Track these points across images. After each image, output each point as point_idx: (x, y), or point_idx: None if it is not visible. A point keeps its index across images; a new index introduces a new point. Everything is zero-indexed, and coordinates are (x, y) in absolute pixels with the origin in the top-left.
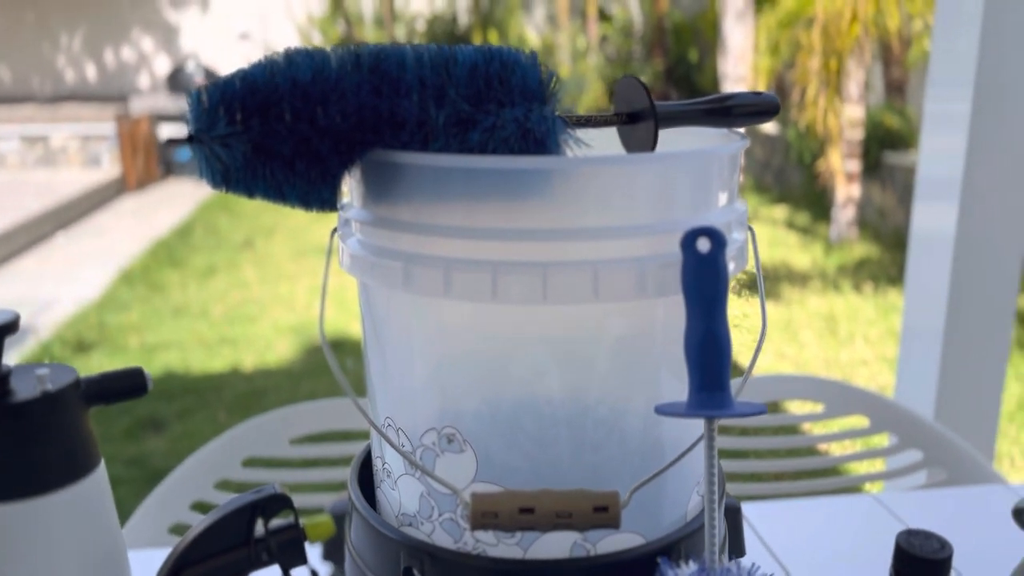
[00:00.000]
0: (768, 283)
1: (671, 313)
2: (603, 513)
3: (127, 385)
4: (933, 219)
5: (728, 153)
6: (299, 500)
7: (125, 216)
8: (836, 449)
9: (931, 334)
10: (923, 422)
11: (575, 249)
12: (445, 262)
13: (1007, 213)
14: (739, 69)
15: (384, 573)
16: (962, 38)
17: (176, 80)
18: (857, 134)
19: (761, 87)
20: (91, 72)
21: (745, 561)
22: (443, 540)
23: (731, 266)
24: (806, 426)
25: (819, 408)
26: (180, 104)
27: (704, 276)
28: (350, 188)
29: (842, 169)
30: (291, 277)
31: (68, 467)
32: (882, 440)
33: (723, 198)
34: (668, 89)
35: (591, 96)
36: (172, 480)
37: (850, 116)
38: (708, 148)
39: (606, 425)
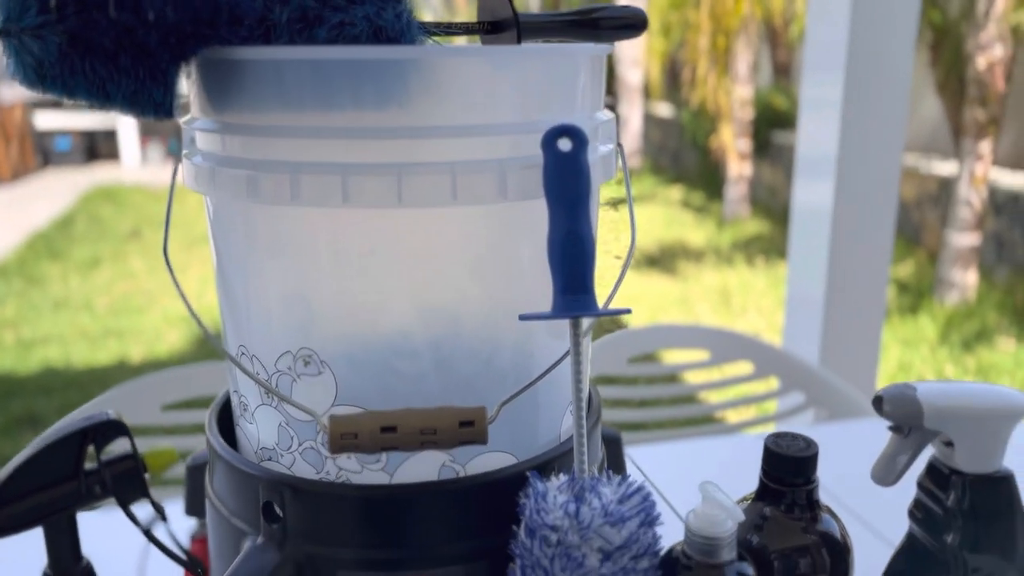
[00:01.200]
0: (665, 260)
1: (536, 219)
2: (469, 428)
3: None
4: (812, 195)
5: (590, 54)
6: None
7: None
8: (723, 396)
9: (813, 302)
10: (806, 366)
11: (432, 149)
12: (292, 167)
13: (879, 189)
14: (633, 51)
15: (245, 513)
16: (833, 26)
17: None
18: (747, 114)
19: (655, 69)
20: None
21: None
22: (304, 471)
23: (596, 174)
24: (692, 374)
25: (705, 356)
26: None
27: (565, 176)
28: (191, 96)
29: (734, 146)
30: (182, 267)
31: None
32: (770, 384)
33: (587, 104)
34: None
35: None
36: None
37: (740, 96)
38: (570, 46)
39: (472, 339)
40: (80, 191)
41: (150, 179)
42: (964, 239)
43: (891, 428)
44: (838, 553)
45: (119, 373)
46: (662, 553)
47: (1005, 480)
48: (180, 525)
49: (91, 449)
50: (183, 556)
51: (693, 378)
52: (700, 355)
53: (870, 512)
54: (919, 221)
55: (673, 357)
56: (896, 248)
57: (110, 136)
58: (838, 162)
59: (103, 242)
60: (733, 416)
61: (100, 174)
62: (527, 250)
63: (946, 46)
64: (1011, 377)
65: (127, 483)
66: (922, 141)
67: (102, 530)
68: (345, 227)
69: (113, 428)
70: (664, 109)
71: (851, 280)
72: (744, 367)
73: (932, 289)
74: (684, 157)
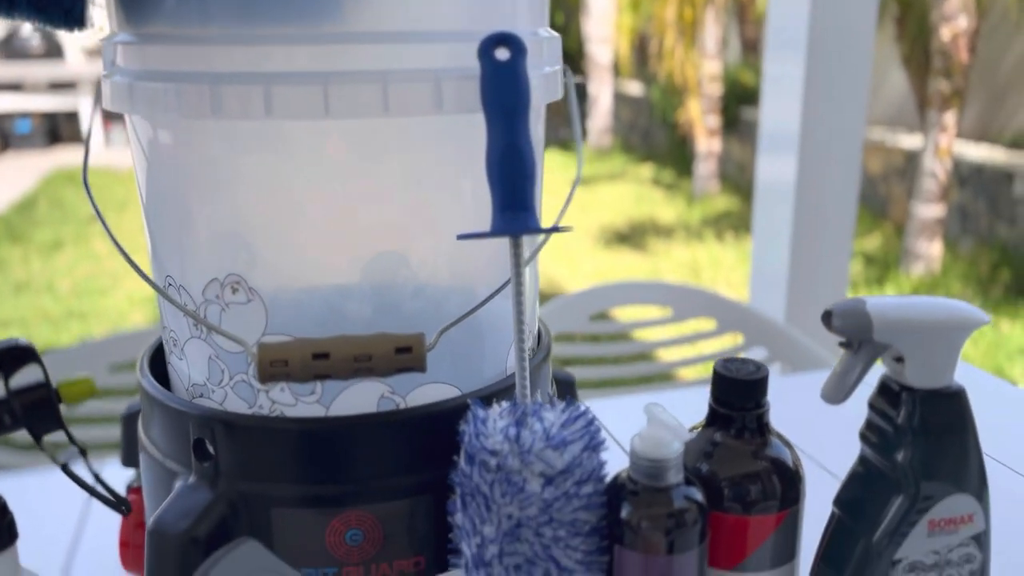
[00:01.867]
0: (635, 237)
1: (474, 134)
2: (407, 355)
3: None
4: (775, 170)
5: None
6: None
7: None
8: (687, 351)
9: (777, 276)
10: (770, 321)
11: (362, 56)
12: (212, 77)
13: (842, 163)
14: (602, 29)
15: (177, 454)
16: (795, 2)
17: (10, 46)
18: (716, 89)
19: (624, 46)
20: None
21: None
22: (236, 406)
23: (539, 92)
24: (655, 331)
25: (668, 313)
26: (16, 72)
27: (503, 86)
28: (108, 11)
29: (701, 120)
30: (145, 248)
31: None
32: (735, 340)
33: (529, 18)
34: None
35: None
36: None
37: (709, 71)
38: None
39: (409, 266)
40: (41, 174)
41: (113, 161)
42: (929, 211)
43: (842, 344)
44: (789, 480)
45: (82, 354)
46: (607, 479)
47: (957, 395)
48: (119, 477)
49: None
50: (105, 493)
51: (655, 335)
52: (663, 312)
53: (833, 461)
54: (886, 194)
55: (636, 314)
56: (863, 221)
57: (72, 118)
58: (801, 137)
59: (65, 225)
60: (694, 373)
61: (62, 157)
62: (468, 172)
63: (911, 18)
64: (973, 344)
65: (40, 413)
66: (889, 115)
67: (41, 492)
68: (269, 141)
69: (22, 354)
70: (634, 88)
71: (815, 254)
72: (707, 323)
73: (898, 261)
74: (654, 135)
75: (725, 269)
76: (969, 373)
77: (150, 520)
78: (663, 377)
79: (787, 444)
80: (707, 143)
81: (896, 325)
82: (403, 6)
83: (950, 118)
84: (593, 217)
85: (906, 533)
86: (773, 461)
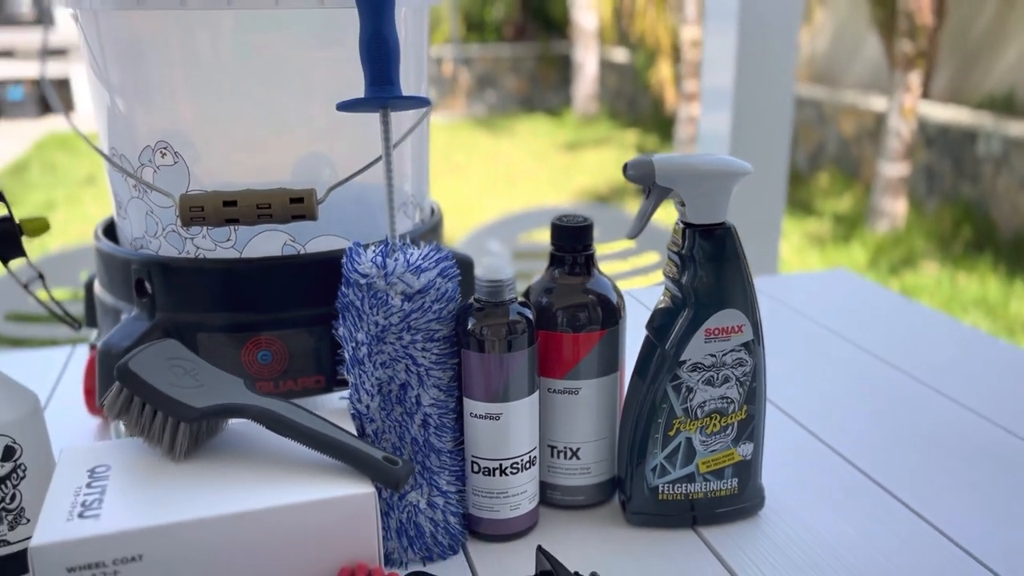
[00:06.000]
0: (613, 198)
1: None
2: (299, 204)
3: None
4: (712, 124)
5: None
6: None
7: None
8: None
9: None
10: None
11: None
12: None
13: (772, 116)
14: None
15: (123, 294)
16: None
17: (2, 13)
18: (696, 55)
19: (606, 11)
20: None
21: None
22: (168, 252)
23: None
24: None
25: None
26: (7, 39)
27: None
28: None
29: (672, 83)
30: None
31: None
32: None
33: None
34: (524, 17)
35: (447, 26)
36: None
37: (691, 37)
38: None
39: (307, 130)
40: (33, 140)
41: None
42: (894, 169)
43: (639, 192)
44: (608, 307)
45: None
46: (458, 301)
47: (727, 231)
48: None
49: None
50: (59, 310)
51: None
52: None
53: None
54: (858, 156)
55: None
56: (835, 182)
57: (63, 85)
58: (734, 94)
59: (58, 188)
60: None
61: (54, 123)
62: (347, 48)
63: None
64: (930, 296)
65: (5, 243)
66: (865, 79)
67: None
68: (185, 31)
69: None
70: (620, 55)
71: (751, 198)
72: (629, 244)
73: (865, 219)
74: (640, 102)
75: None
76: (924, 314)
77: (100, 342)
78: None
79: (612, 283)
80: (687, 108)
81: (673, 171)
82: None
83: (915, 79)
84: (576, 181)
85: (688, 339)
86: (598, 296)
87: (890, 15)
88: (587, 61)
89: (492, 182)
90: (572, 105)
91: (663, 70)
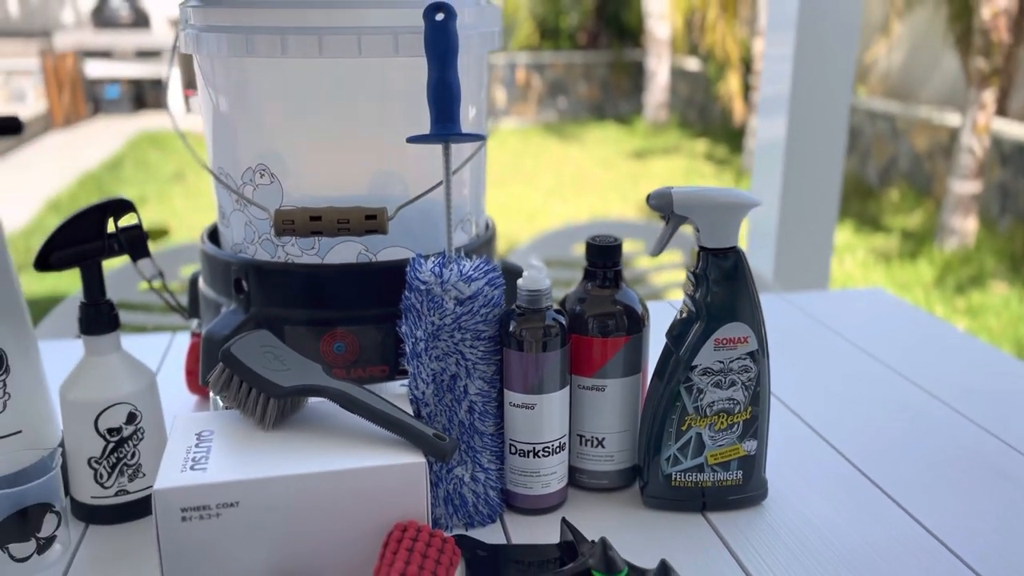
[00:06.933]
0: None
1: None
2: (373, 220)
3: None
4: (769, 131)
5: None
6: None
7: (52, 151)
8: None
9: (768, 228)
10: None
11: (345, 17)
12: (246, 29)
13: (828, 125)
14: (660, 4)
15: (223, 291)
16: None
17: (101, 15)
18: None
19: (678, 20)
20: (13, 7)
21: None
22: (262, 256)
23: (474, 43)
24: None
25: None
26: (106, 40)
27: (439, 39)
28: None
29: (740, 95)
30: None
31: None
32: None
33: None
34: (598, 25)
35: (523, 33)
36: None
37: (762, 49)
38: None
39: (380, 153)
40: (128, 137)
41: (193, 127)
42: (965, 186)
43: (661, 218)
44: (633, 316)
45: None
46: (502, 307)
47: (736, 254)
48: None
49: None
50: (173, 301)
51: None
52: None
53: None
54: (930, 172)
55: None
56: (906, 198)
57: (157, 85)
58: (790, 102)
59: (149, 183)
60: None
61: (147, 121)
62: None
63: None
64: (997, 317)
65: (135, 245)
66: (942, 94)
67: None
68: (286, 76)
69: (125, 204)
70: (692, 63)
71: (801, 210)
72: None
73: (934, 236)
74: (710, 111)
75: None
76: (955, 335)
77: (204, 330)
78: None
79: (636, 293)
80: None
81: (690, 203)
82: None
83: (989, 96)
84: (643, 189)
85: (700, 347)
86: (623, 303)
87: (967, 31)
88: (659, 69)
89: (559, 189)
90: (643, 113)
91: (732, 82)
